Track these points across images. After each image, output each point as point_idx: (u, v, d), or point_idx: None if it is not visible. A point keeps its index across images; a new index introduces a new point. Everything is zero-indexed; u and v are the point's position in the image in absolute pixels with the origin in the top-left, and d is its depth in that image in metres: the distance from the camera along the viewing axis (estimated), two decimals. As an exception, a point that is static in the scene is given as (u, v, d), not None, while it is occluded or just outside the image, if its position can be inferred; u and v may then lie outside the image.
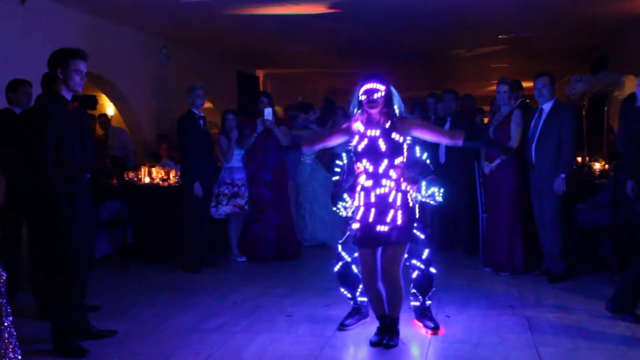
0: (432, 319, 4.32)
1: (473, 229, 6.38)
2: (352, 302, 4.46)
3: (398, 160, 3.95)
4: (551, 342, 4.02)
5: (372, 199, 3.94)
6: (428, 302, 4.35)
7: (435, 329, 4.22)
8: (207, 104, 12.73)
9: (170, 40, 9.69)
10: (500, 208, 5.79)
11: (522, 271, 5.74)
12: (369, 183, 3.95)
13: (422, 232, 4.21)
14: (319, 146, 4.46)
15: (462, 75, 14.63)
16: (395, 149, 3.91)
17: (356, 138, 3.99)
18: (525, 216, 5.78)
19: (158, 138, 8.79)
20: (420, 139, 4.14)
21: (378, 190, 3.93)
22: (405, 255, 4.04)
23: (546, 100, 5.53)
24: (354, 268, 4.34)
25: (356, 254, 4.26)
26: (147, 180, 7.03)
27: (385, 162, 3.92)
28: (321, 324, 4.45)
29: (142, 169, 7.10)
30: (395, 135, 3.91)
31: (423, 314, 4.35)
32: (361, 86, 3.93)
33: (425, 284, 4.28)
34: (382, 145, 3.91)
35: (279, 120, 7.12)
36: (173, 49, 9.85)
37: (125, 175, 7.00)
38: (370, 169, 3.95)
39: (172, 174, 7.04)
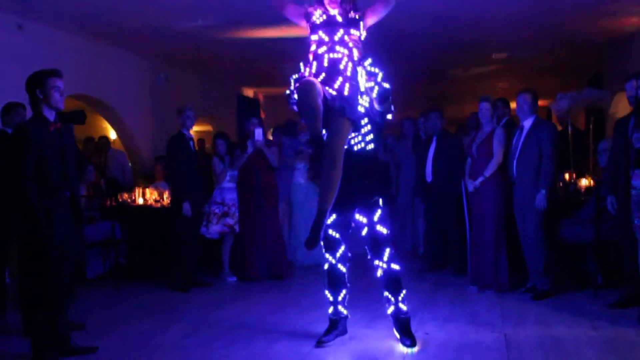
0: (410, 336, 4.32)
1: (462, 246, 6.40)
2: (331, 310, 4.47)
3: (354, 31, 4.07)
4: (525, 358, 4.03)
5: (325, 63, 4.02)
6: (404, 308, 4.33)
7: (411, 346, 4.23)
8: (206, 127, 12.89)
9: (168, 64, 9.82)
10: (484, 225, 5.81)
11: (508, 288, 5.74)
12: (323, 49, 4.05)
13: (386, 226, 4.26)
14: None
15: (465, 95, 14.65)
16: (351, 21, 4.07)
17: (317, 13, 4.12)
18: (510, 233, 5.80)
19: (156, 160, 8.91)
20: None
21: (331, 55, 4.02)
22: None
23: (526, 116, 5.58)
24: (341, 267, 4.38)
25: (339, 253, 4.33)
26: (140, 201, 7.12)
27: (341, 31, 4.06)
28: (300, 341, 4.47)
29: (136, 190, 7.20)
30: (353, 14, 4.08)
31: (404, 329, 4.34)
32: None
33: (392, 283, 4.30)
34: (338, 17, 4.08)
35: (270, 142, 7.22)
36: (172, 72, 9.98)
37: (119, 197, 7.11)
38: (326, 38, 4.07)
39: (165, 195, 7.12)
